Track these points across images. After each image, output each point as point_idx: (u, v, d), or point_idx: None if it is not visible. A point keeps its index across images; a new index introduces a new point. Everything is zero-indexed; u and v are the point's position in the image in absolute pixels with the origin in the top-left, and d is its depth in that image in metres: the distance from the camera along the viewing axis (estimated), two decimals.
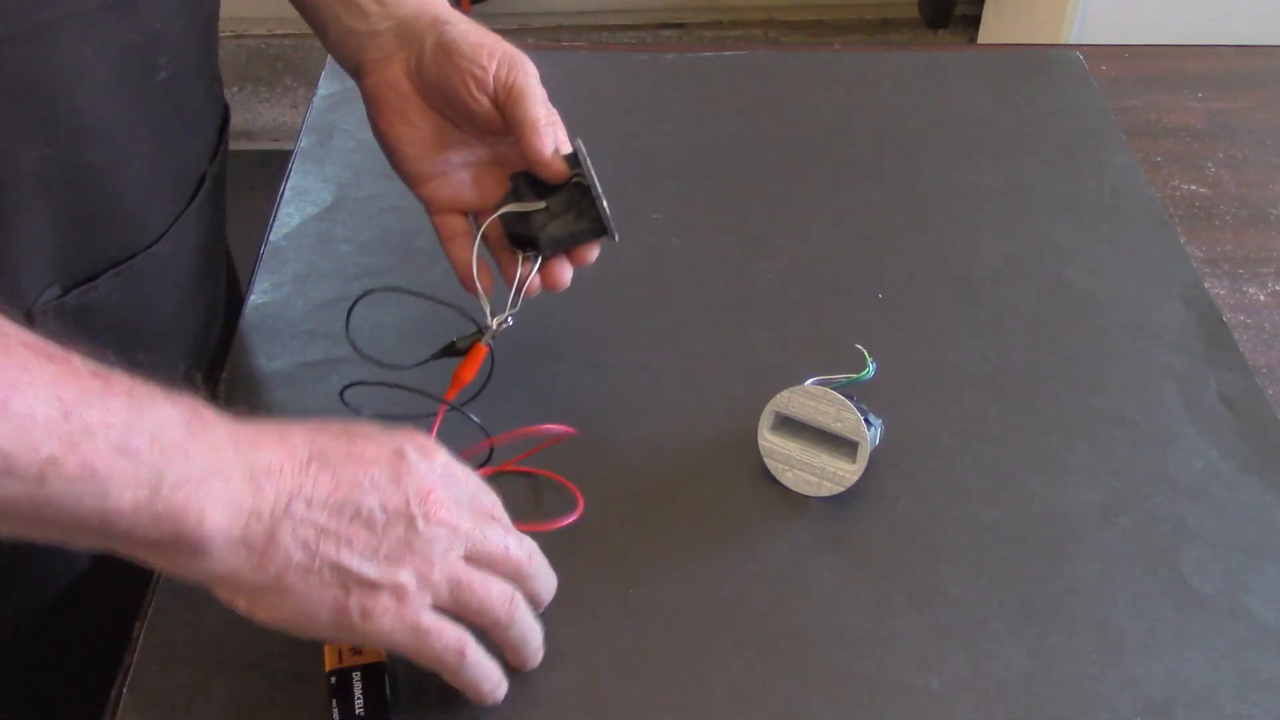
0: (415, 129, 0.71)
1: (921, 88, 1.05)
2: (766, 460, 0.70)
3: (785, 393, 0.69)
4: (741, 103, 1.03)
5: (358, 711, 0.58)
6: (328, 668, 0.59)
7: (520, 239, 0.71)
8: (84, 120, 0.60)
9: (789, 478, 0.70)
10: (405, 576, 0.54)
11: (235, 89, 2.54)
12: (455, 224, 0.73)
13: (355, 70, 0.74)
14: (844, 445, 0.69)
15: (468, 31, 0.70)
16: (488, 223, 0.71)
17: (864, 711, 0.60)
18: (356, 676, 0.59)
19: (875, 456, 0.70)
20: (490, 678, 0.58)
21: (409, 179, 0.73)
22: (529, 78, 0.69)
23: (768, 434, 0.70)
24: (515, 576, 0.58)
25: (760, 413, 0.70)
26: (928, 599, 0.65)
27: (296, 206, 0.90)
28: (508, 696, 0.60)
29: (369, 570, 0.53)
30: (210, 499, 0.49)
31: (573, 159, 0.70)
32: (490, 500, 0.59)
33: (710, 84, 1.05)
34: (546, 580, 0.61)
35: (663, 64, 1.07)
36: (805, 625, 0.64)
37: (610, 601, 0.64)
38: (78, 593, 0.71)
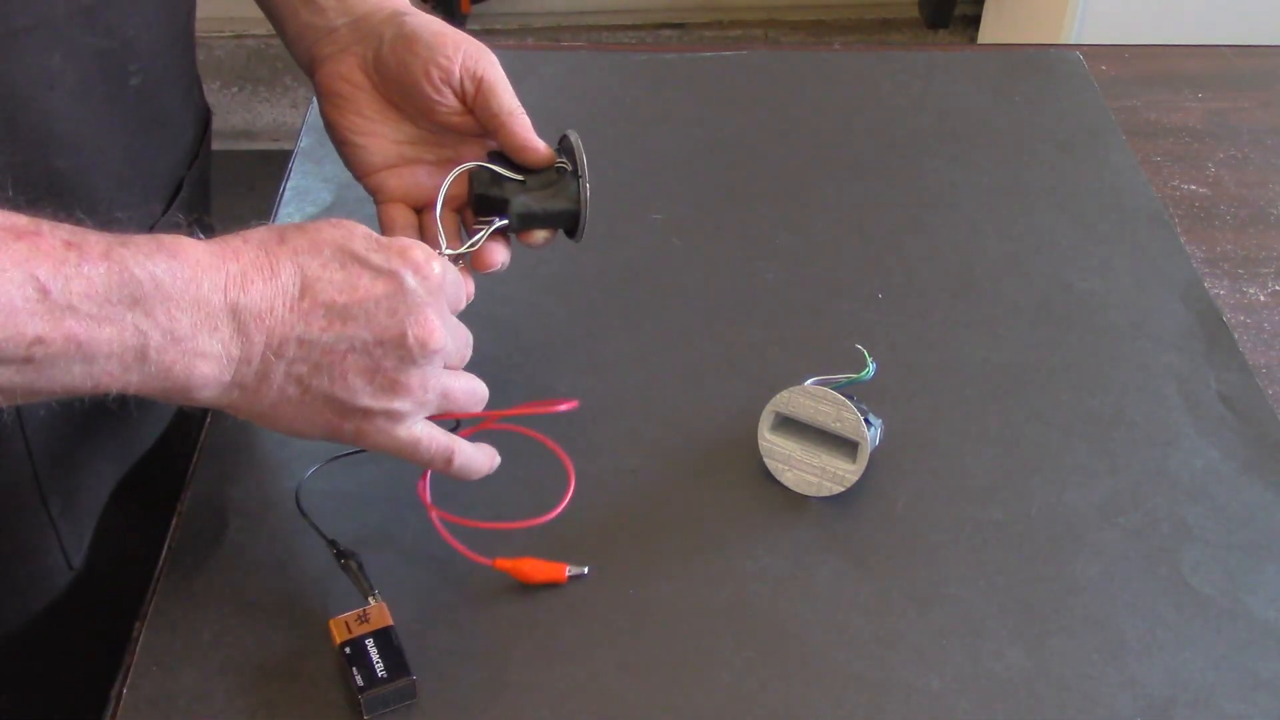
0: (368, 120, 0.70)
1: (921, 88, 1.05)
2: (766, 460, 0.70)
3: (785, 393, 0.69)
4: (741, 103, 1.03)
5: (380, 675, 0.58)
6: (337, 641, 0.60)
7: (488, 202, 0.69)
8: (52, 127, 0.59)
9: (789, 478, 0.70)
10: (400, 403, 0.56)
11: (235, 89, 2.54)
12: (400, 215, 0.71)
13: (309, 65, 0.73)
14: (844, 445, 0.69)
15: (429, 23, 0.69)
16: (456, 173, 0.69)
17: (864, 711, 0.60)
18: (370, 643, 0.60)
19: (875, 456, 0.70)
20: (478, 466, 0.62)
21: (358, 169, 0.72)
22: (496, 68, 0.68)
23: (768, 434, 0.70)
24: (462, 363, 0.62)
25: (760, 413, 0.70)
26: (928, 599, 0.65)
27: (296, 206, 0.90)
28: (507, 696, 0.60)
29: (364, 400, 0.56)
30: (197, 355, 0.51)
31: (558, 150, 0.70)
32: (464, 294, 0.61)
33: (710, 84, 1.05)
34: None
35: (663, 64, 1.07)
36: (805, 625, 0.64)
37: (610, 601, 0.64)
38: (78, 593, 0.71)
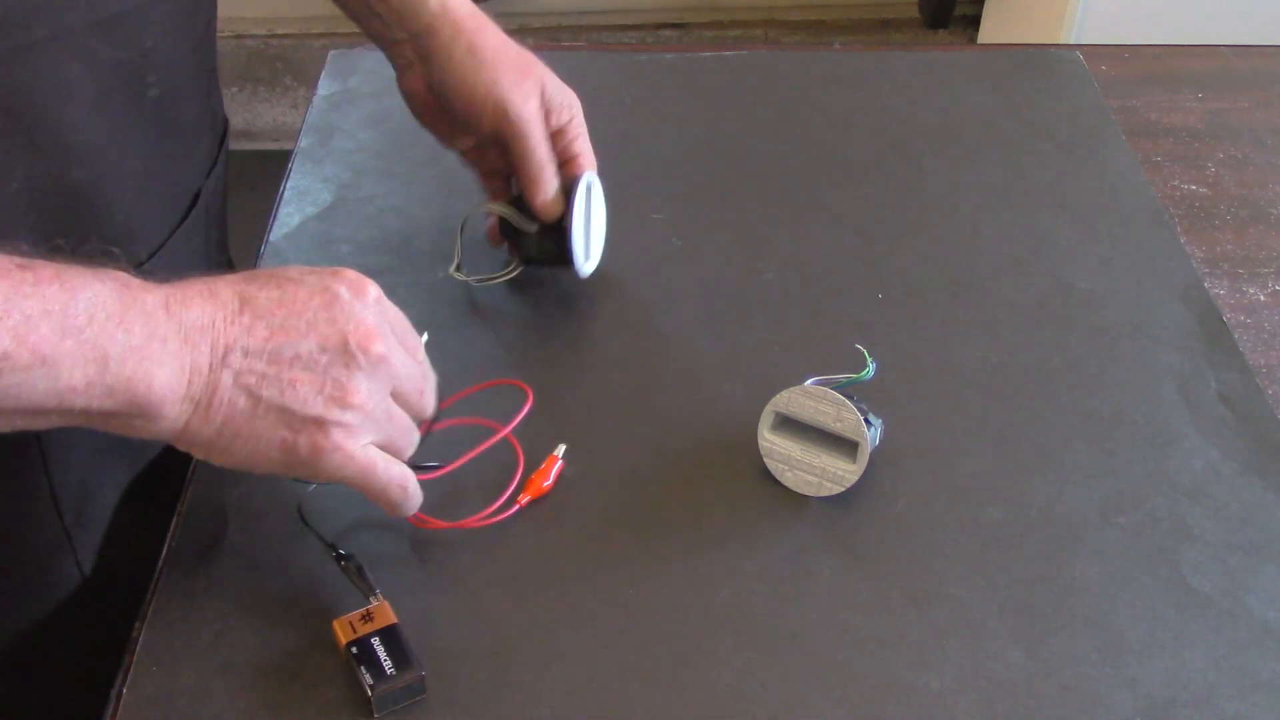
0: (443, 125, 0.80)
1: (921, 88, 1.05)
2: (766, 460, 0.70)
3: (785, 393, 0.69)
4: (741, 103, 1.03)
5: (388, 673, 0.59)
6: (343, 642, 0.60)
7: (510, 231, 0.80)
8: (70, 139, 0.60)
9: (789, 478, 0.70)
10: (351, 414, 0.56)
11: (235, 89, 2.54)
12: (495, 182, 0.82)
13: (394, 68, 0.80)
14: (844, 445, 0.69)
15: (472, 69, 0.75)
16: (486, 213, 0.83)
17: (864, 711, 0.60)
18: (377, 641, 0.60)
19: (875, 456, 0.70)
20: (415, 500, 0.62)
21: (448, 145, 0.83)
22: (526, 135, 0.75)
23: (768, 434, 0.70)
24: (417, 415, 0.62)
25: (760, 413, 0.70)
26: (928, 599, 0.65)
27: (296, 206, 0.90)
28: (508, 696, 0.60)
29: (314, 410, 0.56)
30: (155, 363, 0.52)
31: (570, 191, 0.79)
32: (414, 340, 0.62)
33: (710, 84, 1.05)
34: (429, 417, 0.64)
35: (663, 64, 1.07)
36: (805, 625, 0.64)
37: (610, 601, 0.64)
38: (85, 597, 0.71)
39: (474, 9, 0.78)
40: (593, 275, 0.84)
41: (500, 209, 0.80)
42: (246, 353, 0.54)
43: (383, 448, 0.60)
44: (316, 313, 0.56)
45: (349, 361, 0.56)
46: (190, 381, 0.53)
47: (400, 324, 0.60)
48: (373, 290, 0.58)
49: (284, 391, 0.55)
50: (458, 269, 0.81)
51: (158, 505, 0.71)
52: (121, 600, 0.67)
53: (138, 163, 0.65)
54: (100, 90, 0.60)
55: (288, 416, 0.56)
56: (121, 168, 0.64)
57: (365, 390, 0.57)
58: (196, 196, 0.73)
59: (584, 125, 0.80)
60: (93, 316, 0.50)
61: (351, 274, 0.58)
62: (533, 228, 0.79)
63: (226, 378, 0.54)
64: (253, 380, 0.55)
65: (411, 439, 0.61)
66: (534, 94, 0.76)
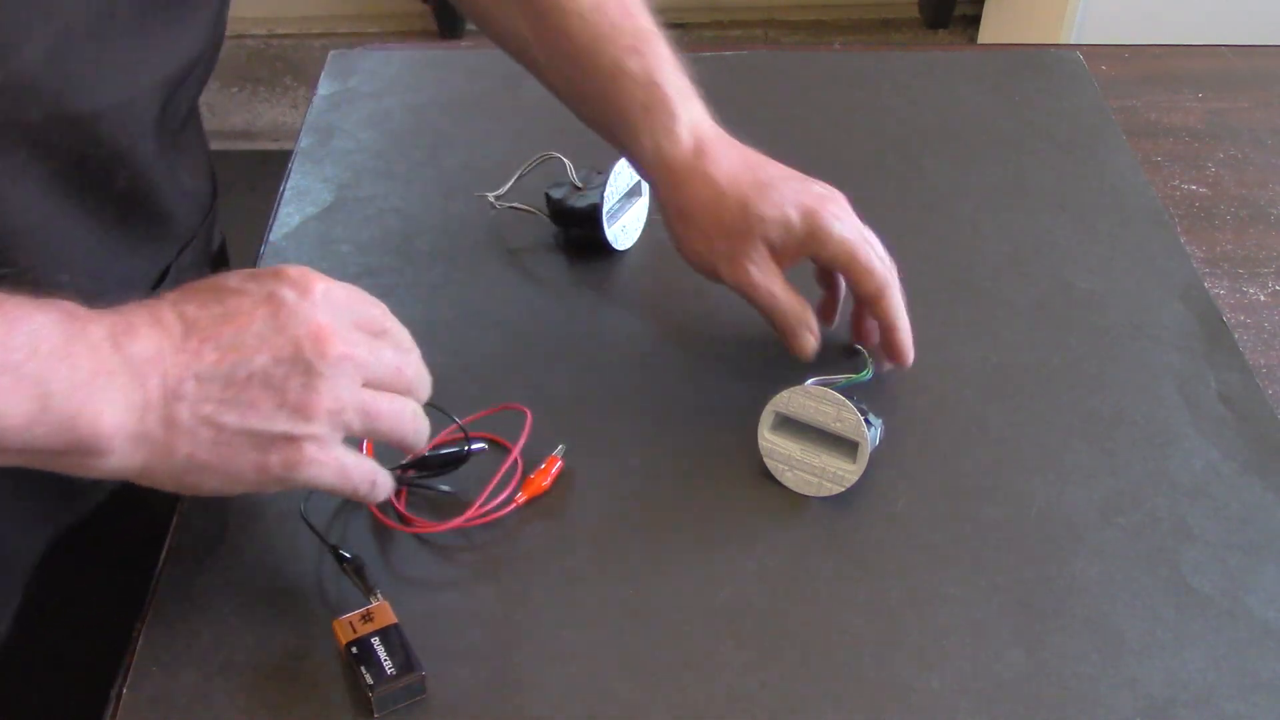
0: None
1: (921, 88, 1.05)
2: (766, 460, 0.70)
3: (785, 393, 0.69)
4: (741, 103, 1.02)
5: (389, 673, 0.59)
6: (343, 642, 0.60)
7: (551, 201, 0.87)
8: (12, 222, 0.57)
9: (789, 478, 0.70)
10: (319, 423, 0.54)
11: (235, 89, 2.54)
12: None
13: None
14: (844, 445, 0.69)
15: (693, 210, 0.72)
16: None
17: (864, 711, 0.60)
18: (377, 641, 0.60)
19: (875, 456, 0.70)
20: (387, 489, 0.60)
21: None
22: (741, 275, 0.71)
23: (768, 434, 0.70)
24: (407, 392, 0.58)
25: (760, 413, 0.70)
26: (928, 599, 0.65)
27: (296, 206, 0.90)
28: (508, 696, 0.60)
29: (281, 427, 0.53)
30: (102, 400, 0.49)
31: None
32: (379, 312, 0.58)
33: (710, 84, 1.05)
34: (427, 386, 0.61)
35: None
36: (805, 625, 0.64)
37: (610, 601, 0.64)
38: (78, 594, 0.71)
39: (696, 144, 0.73)
40: (593, 276, 0.84)
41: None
42: (200, 380, 0.52)
43: (384, 439, 0.58)
44: (264, 323, 0.53)
45: (307, 369, 0.53)
46: (142, 418, 0.51)
47: (355, 305, 0.57)
48: (319, 285, 0.55)
49: (245, 414, 0.53)
50: (497, 198, 0.86)
51: (91, 568, 0.68)
52: (131, 577, 0.65)
53: (93, 248, 0.62)
54: (53, 179, 0.58)
55: (255, 438, 0.53)
56: (73, 252, 0.61)
57: (330, 395, 0.54)
58: (165, 273, 0.70)
59: (847, 237, 0.71)
60: (35, 350, 0.48)
61: (294, 272, 0.55)
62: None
63: (183, 411, 0.52)
64: (209, 409, 0.52)
65: (407, 416, 0.58)
66: (750, 256, 0.70)
